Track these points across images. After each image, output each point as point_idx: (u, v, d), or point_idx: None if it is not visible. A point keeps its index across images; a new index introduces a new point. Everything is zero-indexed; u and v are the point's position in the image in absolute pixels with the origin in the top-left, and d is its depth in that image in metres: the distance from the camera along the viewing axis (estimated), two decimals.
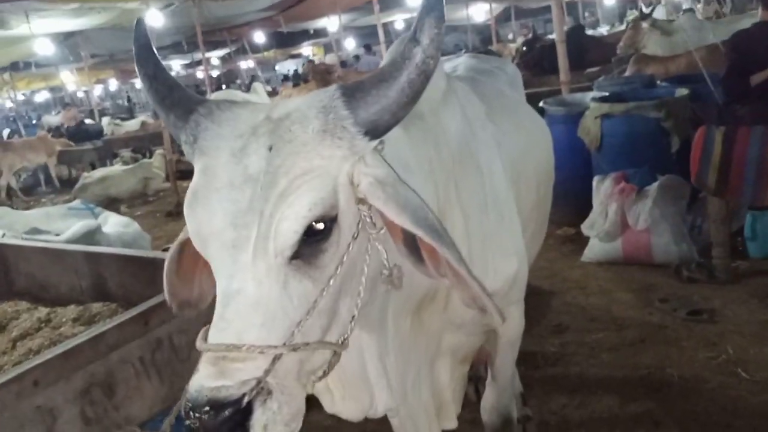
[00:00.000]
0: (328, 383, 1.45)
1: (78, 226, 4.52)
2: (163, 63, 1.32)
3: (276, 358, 1.09)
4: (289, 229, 1.10)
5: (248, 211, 1.10)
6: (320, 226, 1.13)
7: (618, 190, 4.50)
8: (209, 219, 1.13)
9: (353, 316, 1.24)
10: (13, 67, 15.15)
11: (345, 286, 1.21)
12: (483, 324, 1.89)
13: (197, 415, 1.04)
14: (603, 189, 4.63)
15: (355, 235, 1.20)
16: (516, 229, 1.88)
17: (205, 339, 1.12)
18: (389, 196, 1.18)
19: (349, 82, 1.23)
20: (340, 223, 1.17)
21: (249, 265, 1.10)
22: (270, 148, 1.13)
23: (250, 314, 1.09)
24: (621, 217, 4.47)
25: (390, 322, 1.52)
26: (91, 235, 4.42)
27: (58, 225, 5.25)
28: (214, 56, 20.08)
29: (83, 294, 2.75)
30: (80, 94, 21.97)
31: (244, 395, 1.05)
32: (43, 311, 2.65)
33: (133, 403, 1.90)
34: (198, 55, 19.02)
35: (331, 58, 18.59)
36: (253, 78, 17.90)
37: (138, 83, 22.93)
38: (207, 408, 1.04)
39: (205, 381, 1.06)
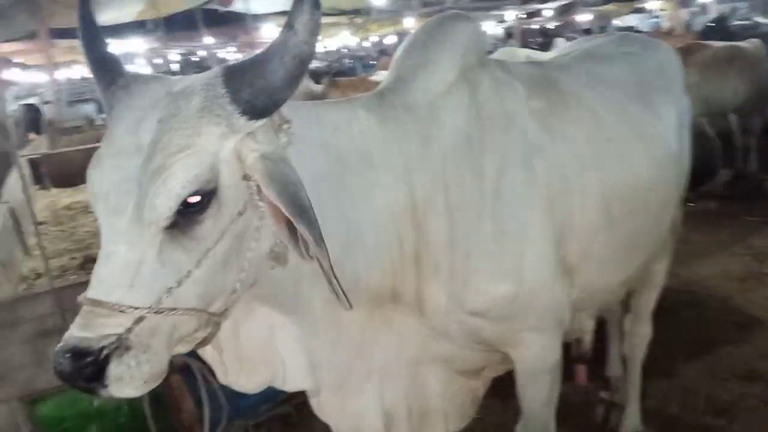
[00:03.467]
0: (221, 357, 1.52)
1: None
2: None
3: (140, 319, 1.15)
4: (163, 204, 1.15)
5: (131, 179, 1.18)
6: (195, 199, 1.17)
7: None
8: (99, 182, 1.23)
9: (234, 290, 1.28)
10: (355, 12, 17.19)
11: (230, 259, 1.25)
12: (481, 341, 1.73)
13: (60, 360, 1.12)
14: None
15: (241, 210, 1.24)
16: (526, 249, 1.65)
17: None
18: (266, 168, 1.21)
19: (234, 62, 1.25)
20: (221, 198, 1.20)
21: (124, 230, 1.17)
22: (159, 121, 1.20)
23: (120, 275, 1.16)
24: None
25: (318, 307, 1.50)
26: None
27: None
28: (547, 8, 19.63)
29: None
30: None
31: (103, 348, 1.13)
32: None
33: None
34: (532, 6, 18.96)
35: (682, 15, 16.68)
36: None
37: None
38: (68, 355, 1.12)
39: (73, 331, 1.15)
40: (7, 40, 12.32)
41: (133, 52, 19.66)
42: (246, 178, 1.23)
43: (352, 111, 1.56)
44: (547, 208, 1.69)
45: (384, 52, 15.58)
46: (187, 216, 1.18)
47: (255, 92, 1.19)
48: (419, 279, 1.61)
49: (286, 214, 1.18)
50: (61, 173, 7.29)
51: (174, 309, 1.19)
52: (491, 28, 23.39)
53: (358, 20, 18.28)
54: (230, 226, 1.23)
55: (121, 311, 1.15)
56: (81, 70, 20.25)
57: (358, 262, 1.49)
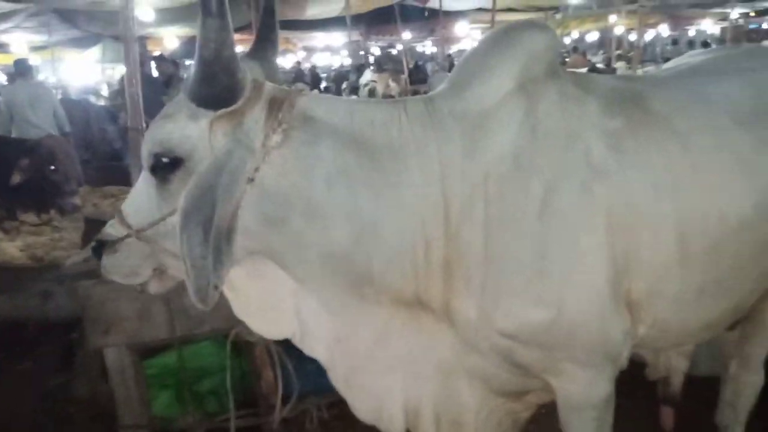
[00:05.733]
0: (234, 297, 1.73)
1: None
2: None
3: (127, 235, 1.58)
4: (143, 151, 1.54)
5: None
6: (165, 160, 1.48)
7: None
8: None
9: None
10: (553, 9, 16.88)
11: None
12: (516, 364, 1.68)
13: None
14: None
15: None
16: (571, 277, 1.56)
17: None
18: (209, 163, 1.45)
19: None
20: (191, 169, 1.47)
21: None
22: None
23: (133, 199, 1.61)
24: None
25: (335, 287, 1.61)
26: None
27: None
28: None
29: None
30: (632, 38, 21.50)
31: (105, 243, 1.62)
32: None
33: None
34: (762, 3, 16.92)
35: None
36: None
37: (691, 31, 21.69)
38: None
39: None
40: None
41: (336, 45, 21.05)
42: None
43: (394, 112, 1.60)
44: (606, 236, 1.57)
45: (576, 49, 14.90)
46: (162, 170, 1.50)
47: (189, 84, 1.45)
48: (448, 290, 1.61)
49: (180, 208, 1.42)
50: None
51: (150, 240, 1.56)
52: (710, 26, 21.24)
53: (557, 16, 17.70)
54: None
55: (120, 223, 1.60)
56: (293, 59, 22.11)
57: (372, 258, 1.54)
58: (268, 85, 1.55)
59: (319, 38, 21.27)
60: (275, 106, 1.50)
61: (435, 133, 1.57)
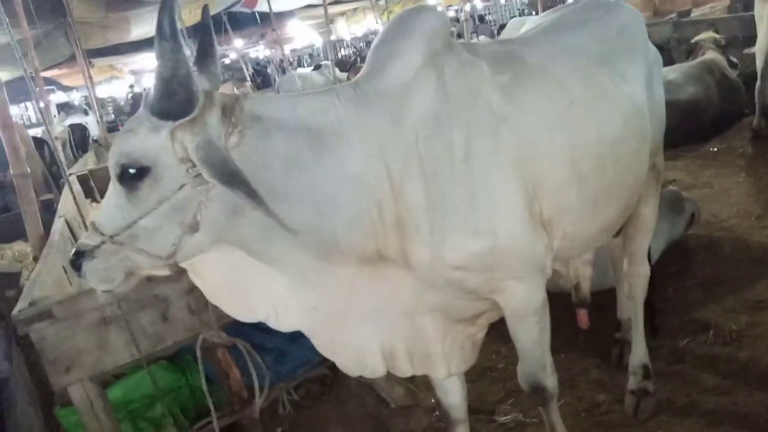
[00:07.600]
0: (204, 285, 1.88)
1: None
2: None
3: (103, 242, 1.70)
4: (110, 164, 1.69)
5: None
6: (131, 170, 1.63)
7: None
8: None
9: (176, 244, 1.70)
10: None
11: (172, 219, 1.67)
12: (468, 290, 1.97)
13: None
14: None
15: (177, 188, 1.64)
16: (497, 208, 1.87)
17: None
18: (199, 156, 1.61)
19: None
20: (156, 174, 1.63)
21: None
22: None
23: (105, 209, 1.75)
24: None
25: (304, 261, 1.81)
26: None
27: None
28: None
29: None
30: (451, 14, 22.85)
31: (83, 252, 1.72)
32: None
33: None
34: None
35: None
36: None
37: None
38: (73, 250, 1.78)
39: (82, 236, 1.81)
40: (50, 67, 13.14)
41: None
42: (183, 162, 1.63)
43: (329, 99, 1.82)
44: (516, 170, 1.90)
45: None
46: (130, 179, 1.64)
47: (151, 101, 1.60)
48: (403, 240, 1.86)
49: (220, 183, 1.58)
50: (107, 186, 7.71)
51: (123, 243, 1.70)
52: None
53: (381, 2, 18.33)
54: (170, 196, 1.64)
55: (94, 232, 1.73)
56: (120, 85, 21.10)
57: (335, 225, 1.76)
58: (218, 93, 1.72)
59: (146, 60, 20.45)
60: (227, 111, 1.68)
61: (367, 111, 1.82)
